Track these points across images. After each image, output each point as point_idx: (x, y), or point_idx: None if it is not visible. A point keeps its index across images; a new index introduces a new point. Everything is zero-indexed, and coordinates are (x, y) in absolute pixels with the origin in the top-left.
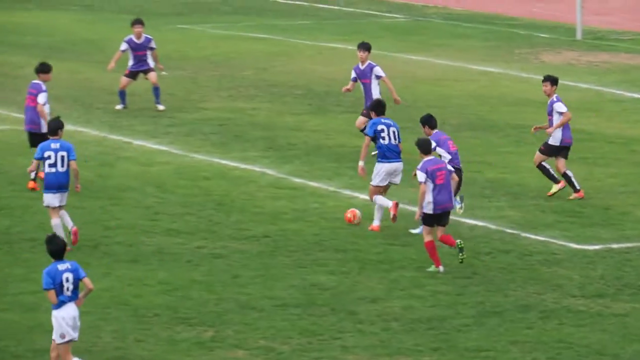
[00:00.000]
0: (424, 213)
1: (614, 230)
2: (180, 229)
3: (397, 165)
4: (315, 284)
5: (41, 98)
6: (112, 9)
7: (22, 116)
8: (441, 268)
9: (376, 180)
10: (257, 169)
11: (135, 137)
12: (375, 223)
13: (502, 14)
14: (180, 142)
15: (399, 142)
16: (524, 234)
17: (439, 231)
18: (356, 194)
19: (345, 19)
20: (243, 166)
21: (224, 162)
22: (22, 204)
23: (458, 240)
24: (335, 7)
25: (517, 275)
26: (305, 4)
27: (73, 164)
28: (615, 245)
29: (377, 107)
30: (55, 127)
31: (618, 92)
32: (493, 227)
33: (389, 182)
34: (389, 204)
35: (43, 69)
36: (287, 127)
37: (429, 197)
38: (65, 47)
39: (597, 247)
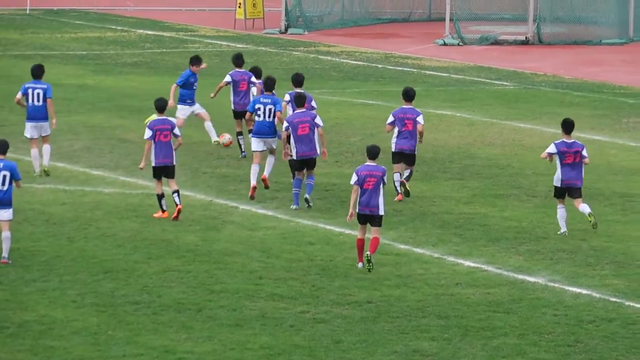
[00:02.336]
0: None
1: None
2: (283, 294)
3: (270, 140)
4: (417, 350)
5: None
6: (220, 75)
7: (129, 179)
8: (360, 265)
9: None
10: (357, 233)
11: (242, 202)
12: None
13: (611, 83)
14: (286, 207)
15: (273, 118)
16: (627, 303)
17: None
18: (460, 261)
19: (454, 85)
20: (348, 232)
21: (329, 227)
22: (127, 267)
23: (367, 253)
24: (445, 74)
25: (620, 344)
26: (414, 70)
27: (19, 183)
28: None
29: (265, 84)
30: (4, 147)
31: None
32: (597, 295)
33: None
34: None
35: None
36: (393, 194)
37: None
38: (172, 113)
39: None
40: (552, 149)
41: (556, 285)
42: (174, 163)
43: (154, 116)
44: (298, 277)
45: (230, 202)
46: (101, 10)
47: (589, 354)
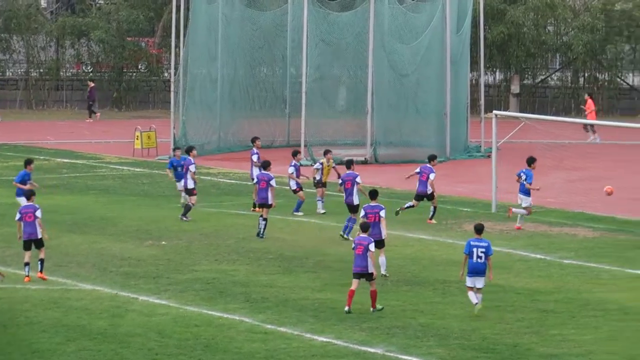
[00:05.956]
0: None
1: None
2: None
3: None
4: None
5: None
6: (123, 193)
7: (51, 278)
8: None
9: None
10: (237, 317)
11: (141, 294)
12: None
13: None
14: (176, 297)
15: None
16: None
17: None
18: (315, 337)
19: (308, 197)
20: (226, 315)
21: (210, 312)
22: (51, 347)
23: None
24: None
25: None
26: (278, 186)
27: None
28: None
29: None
30: None
31: (524, 253)
32: None
33: None
34: None
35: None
36: (261, 285)
37: None
38: (87, 223)
39: None
40: (362, 212)
41: (392, 354)
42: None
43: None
44: (187, 353)
45: (132, 294)
46: (27, 144)
47: None
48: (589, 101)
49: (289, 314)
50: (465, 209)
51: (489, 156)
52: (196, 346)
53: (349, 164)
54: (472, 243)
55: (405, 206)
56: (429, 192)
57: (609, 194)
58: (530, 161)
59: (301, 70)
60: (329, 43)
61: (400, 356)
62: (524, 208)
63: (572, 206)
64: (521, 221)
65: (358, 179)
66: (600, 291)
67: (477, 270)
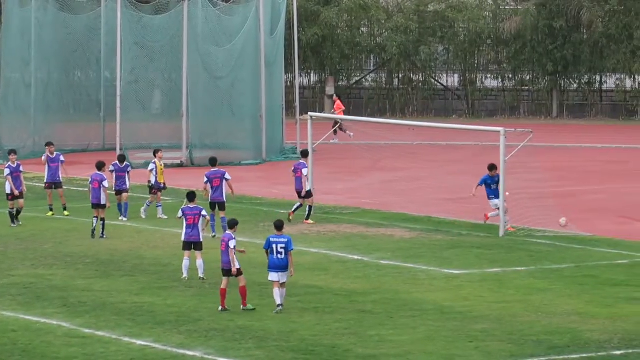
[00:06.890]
0: None
1: None
2: None
3: None
4: None
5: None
6: None
7: None
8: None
9: None
10: (54, 322)
11: None
12: None
13: (249, 195)
14: None
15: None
16: None
17: None
18: (134, 340)
19: None
20: (43, 320)
21: (28, 317)
22: None
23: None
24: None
25: None
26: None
27: None
28: None
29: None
30: None
31: (342, 254)
32: None
33: None
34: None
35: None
36: (79, 289)
37: None
38: None
39: None
40: (179, 213)
41: (210, 357)
42: None
43: None
44: (4, 359)
45: None
46: None
47: None
48: (337, 102)
49: (106, 318)
50: (282, 211)
51: None
52: (14, 351)
53: (213, 161)
54: (271, 239)
55: (294, 209)
56: (306, 189)
57: (564, 226)
58: (490, 168)
59: (115, 73)
60: (143, 46)
61: (218, 359)
62: (497, 209)
63: (389, 207)
64: (508, 220)
65: (227, 175)
66: (418, 291)
67: (278, 266)
